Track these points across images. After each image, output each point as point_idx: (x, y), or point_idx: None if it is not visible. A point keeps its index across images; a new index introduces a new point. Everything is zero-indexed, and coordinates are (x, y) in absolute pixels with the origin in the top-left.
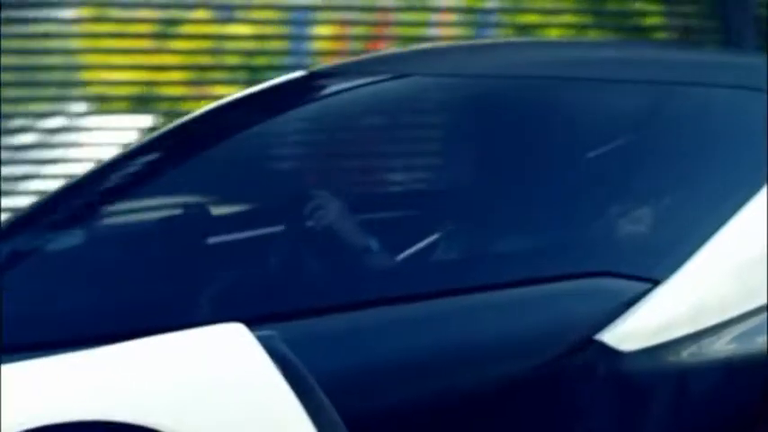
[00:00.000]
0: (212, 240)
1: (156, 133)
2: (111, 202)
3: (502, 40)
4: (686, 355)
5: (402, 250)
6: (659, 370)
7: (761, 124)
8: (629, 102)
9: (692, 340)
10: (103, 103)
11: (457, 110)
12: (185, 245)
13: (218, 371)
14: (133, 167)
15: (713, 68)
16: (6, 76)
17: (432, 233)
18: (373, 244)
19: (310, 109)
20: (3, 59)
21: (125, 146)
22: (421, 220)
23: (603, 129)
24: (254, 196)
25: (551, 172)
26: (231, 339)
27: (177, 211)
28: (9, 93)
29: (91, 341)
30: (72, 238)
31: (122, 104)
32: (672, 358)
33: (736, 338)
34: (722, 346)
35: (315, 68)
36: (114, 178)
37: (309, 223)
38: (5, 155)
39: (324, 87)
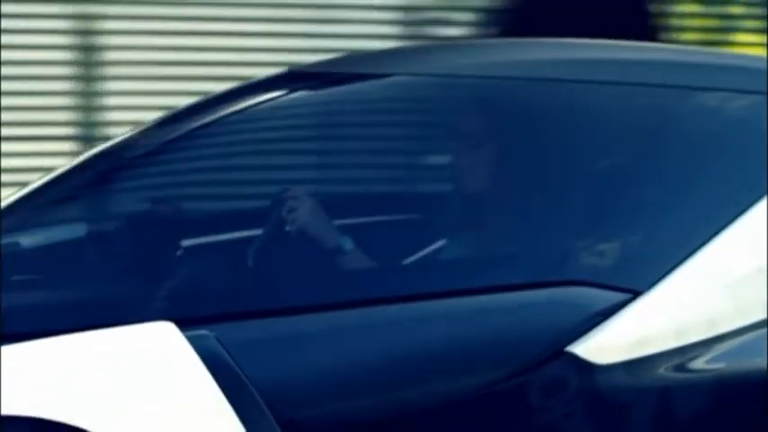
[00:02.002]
0: (175, 241)
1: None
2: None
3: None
4: (668, 371)
5: (373, 253)
6: (637, 386)
7: (761, 129)
8: (618, 105)
9: (675, 356)
10: None
11: (437, 111)
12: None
13: (140, 369)
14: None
15: (711, 72)
16: None
17: (403, 236)
18: (342, 246)
19: (279, 108)
20: None
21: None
22: (394, 223)
23: (588, 133)
24: (226, 196)
25: (530, 177)
26: (157, 338)
27: (143, 209)
28: None
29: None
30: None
31: None
32: (652, 374)
33: (726, 356)
34: (710, 364)
35: (294, 67)
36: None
37: (274, 225)
38: None
39: (300, 86)
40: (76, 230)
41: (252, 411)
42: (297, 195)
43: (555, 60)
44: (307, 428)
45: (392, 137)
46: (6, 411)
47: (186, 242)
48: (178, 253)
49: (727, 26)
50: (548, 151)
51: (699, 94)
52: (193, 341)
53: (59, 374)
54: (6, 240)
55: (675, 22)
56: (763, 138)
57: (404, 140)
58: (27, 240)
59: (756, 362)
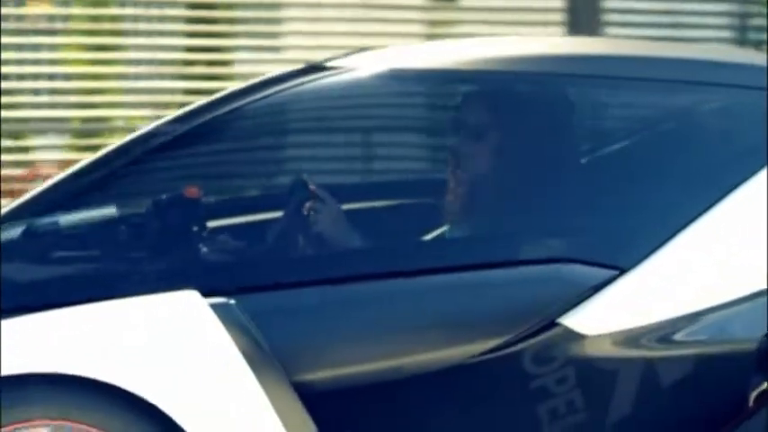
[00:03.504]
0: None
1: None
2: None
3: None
4: (651, 342)
5: (380, 231)
6: (622, 355)
7: (759, 117)
8: (607, 96)
9: (657, 329)
10: None
11: (438, 104)
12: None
13: (165, 335)
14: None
15: (708, 67)
16: None
17: (401, 215)
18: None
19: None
20: None
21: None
22: (403, 207)
23: (581, 123)
24: (235, 185)
25: (520, 159)
26: (182, 306)
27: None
28: None
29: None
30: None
31: None
32: (636, 345)
33: (707, 330)
34: (691, 337)
35: (313, 62)
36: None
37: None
38: None
39: (317, 80)
40: (111, 210)
41: (270, 375)
42: (322, 197)
43: (553, 56)
44: (319, 391)
45: (388, 129)
46: (48, 369)
47: (214, 222)
48: (206, 232)
49: None
50: (543, 140)
51: (691, 88)
52: (216, 309)
53: (97, 337)
54: (48, 219)
55: None
56: (762, 124)
57: (402, 132)
58: (65, 219)
59: (737, 336)
